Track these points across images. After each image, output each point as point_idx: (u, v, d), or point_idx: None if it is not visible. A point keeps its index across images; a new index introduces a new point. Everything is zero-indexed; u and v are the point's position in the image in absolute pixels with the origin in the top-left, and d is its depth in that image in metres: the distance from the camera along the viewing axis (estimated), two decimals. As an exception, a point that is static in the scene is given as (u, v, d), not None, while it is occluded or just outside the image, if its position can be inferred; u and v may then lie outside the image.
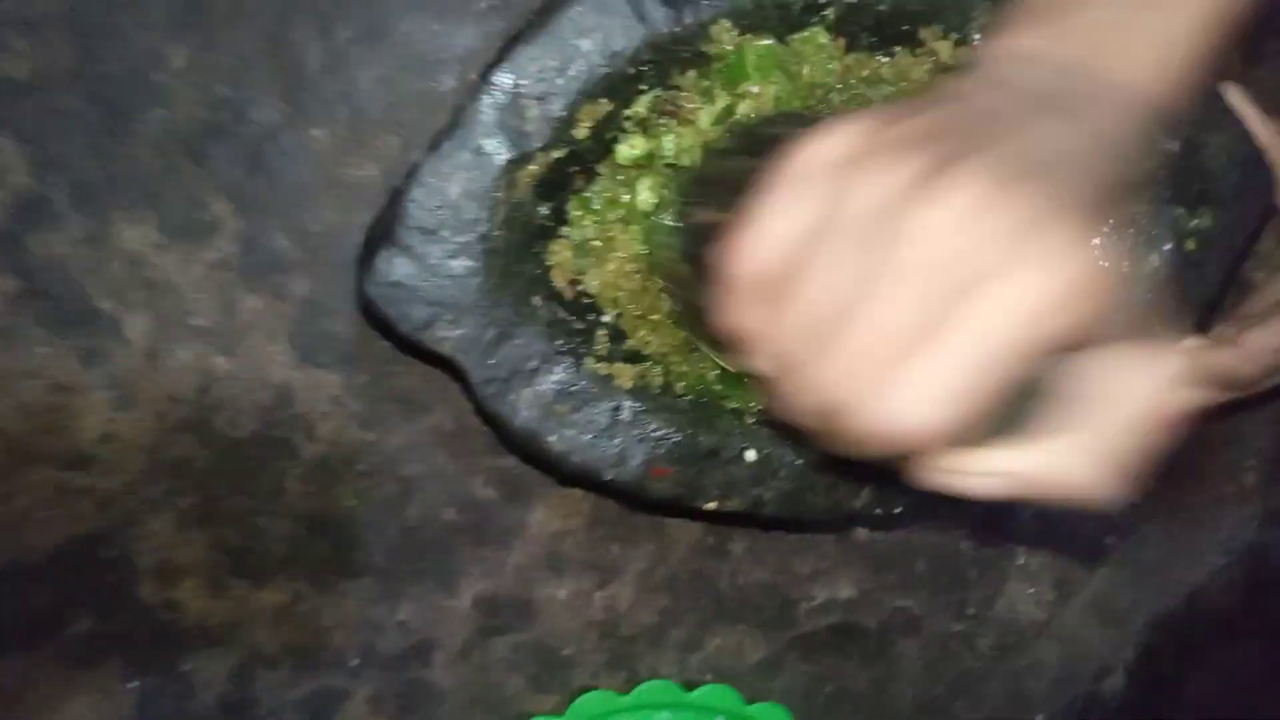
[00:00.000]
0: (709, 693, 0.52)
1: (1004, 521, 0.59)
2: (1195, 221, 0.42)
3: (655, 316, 0.41)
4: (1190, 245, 0.41)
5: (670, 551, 0.53)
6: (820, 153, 0.27)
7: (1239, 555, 0.64)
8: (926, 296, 0.24)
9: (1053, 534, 0.60)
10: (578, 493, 0.50)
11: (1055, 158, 0.26)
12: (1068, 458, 0.27)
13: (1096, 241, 0.25)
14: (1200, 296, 0.43)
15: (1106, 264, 0.24)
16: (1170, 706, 0.65)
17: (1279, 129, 0.44)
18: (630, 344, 0.42)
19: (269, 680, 0.50)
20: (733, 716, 0.52)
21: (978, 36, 0.40)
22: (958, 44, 0.40)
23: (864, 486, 0.43)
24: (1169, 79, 0.30)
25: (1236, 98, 0.42)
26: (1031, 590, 0.61)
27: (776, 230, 0.27)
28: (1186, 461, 0.60)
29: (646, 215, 0.41)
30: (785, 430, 0.30)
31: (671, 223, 0.39)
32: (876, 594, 0.58)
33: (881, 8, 0.39)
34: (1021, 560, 0.60)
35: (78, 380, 0.45)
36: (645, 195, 0.40)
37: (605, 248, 0.41)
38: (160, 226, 0.45)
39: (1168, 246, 0.41)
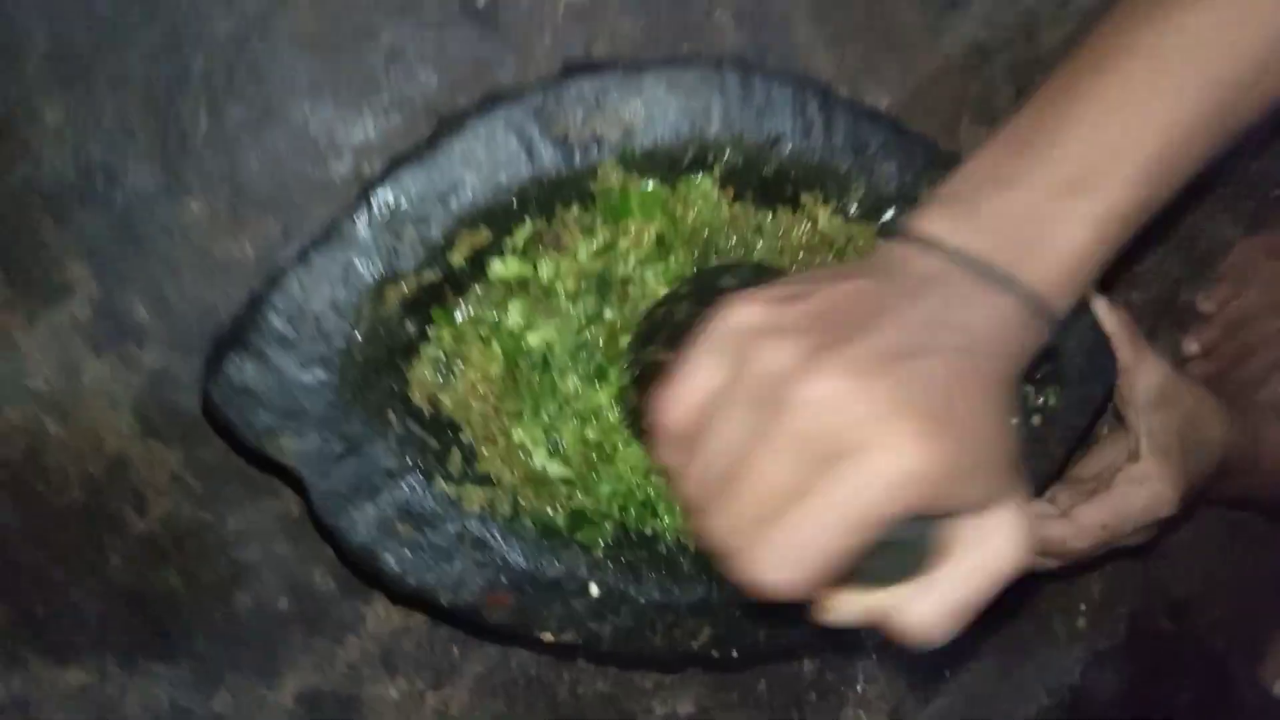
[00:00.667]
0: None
1: (849, 649, 0.60)
2: (1041, 399, 0.44)
3: (503, 443, 0.42)
4: (1036, 420, 0.44)
5: (512, 656, 0.52)
6: (731, 323, 0.31)
7: (1064, 696, 0.67)
8: (798, 464, 0.28)
9: (892, 663, 0.62)
10: (420, 592, 0.49)
11: (927, 345, 0.29)
12: (921, 603, 0.31)
13: (954, 423, 0.28)
14: (1043, 470, 0.46)
15: (960, 446, 0.28)
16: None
17: (1123, 316, 0.47)
18: (482, 468, 0.42)
19: (63, 765, 0.47)
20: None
21: (854, 207, 0.42)
22: (834, 212, 0.42)
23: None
24: (1062, 277, 0.32)
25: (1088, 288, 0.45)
26: (866, 717, 0.62)
27: (691, 388, 0.31)
28: (1023, 602, 0.63)
29: (514, 336, 0.41)
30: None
31: (627, 359, 0.41)
32: (715, 712, 0.58)
33: (766, 171, 0.41)
34: (860, 687, 0.61)
35: (-108, 432, 0.42)
36: (515, 318, 0.41)
37: (461, 364, 0.41)
38: (7, 282, 0.43)
39: (1014, 421, 0.43)
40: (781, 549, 0.28)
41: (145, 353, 0.45)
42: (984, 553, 0.31)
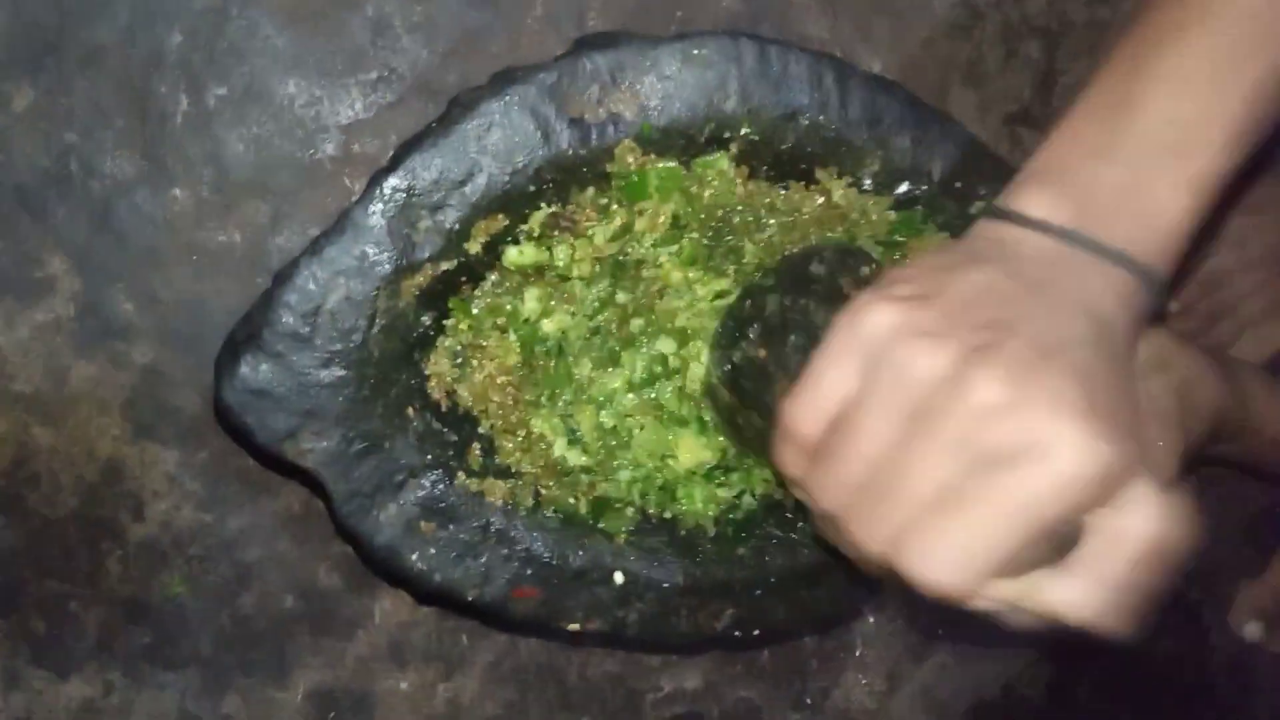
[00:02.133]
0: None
1: (849, 618, 0.61)
2: None
3: (522, 434, 0.40)
4: None
5: (521, 643, 0.52)
6: (866, 327, 0.30)
7: (1048, 647, 0.68)
8: (965, 467, 0.28)
9: (889, 627, 0.63)
10: (430, 584, 0.48)
11: (1064, 344, 0.29)
12: (1077, 590, 0.30)
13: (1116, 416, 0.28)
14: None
15: (1124, 436, 0.28)
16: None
17: None
18: (501, 460, 0.40)
19: (66, 778, 0.45)
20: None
21: (867, 181, 0.41)
22: (849, 185, 0.42)
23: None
24: (1166, 244, 0.32)
25: None
26: (865, 681, 0.63)
27: (825, 394, 0.31)
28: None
29: (529, 323, 0.40)
30: (830, 548, 0.33)
31: (715, 356, 0.40)
32: (721, 685, 0.58)
33: (782, 147, 0.40)
34: (859, 652, 0.62)
35: None
36: (532, 305, 0.39)
37: (479, 355, 0.39)
38: (-17, 281, 0.40)
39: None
40: (948, 546, 0.28)
41: (134, 350, 0.43)
42: (1130, 526, 0.29)
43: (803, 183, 0.41)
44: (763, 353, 0.36)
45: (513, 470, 0.40)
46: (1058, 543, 0.30)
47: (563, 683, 0.54)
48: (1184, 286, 0.64)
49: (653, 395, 0.41)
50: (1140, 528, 0.29)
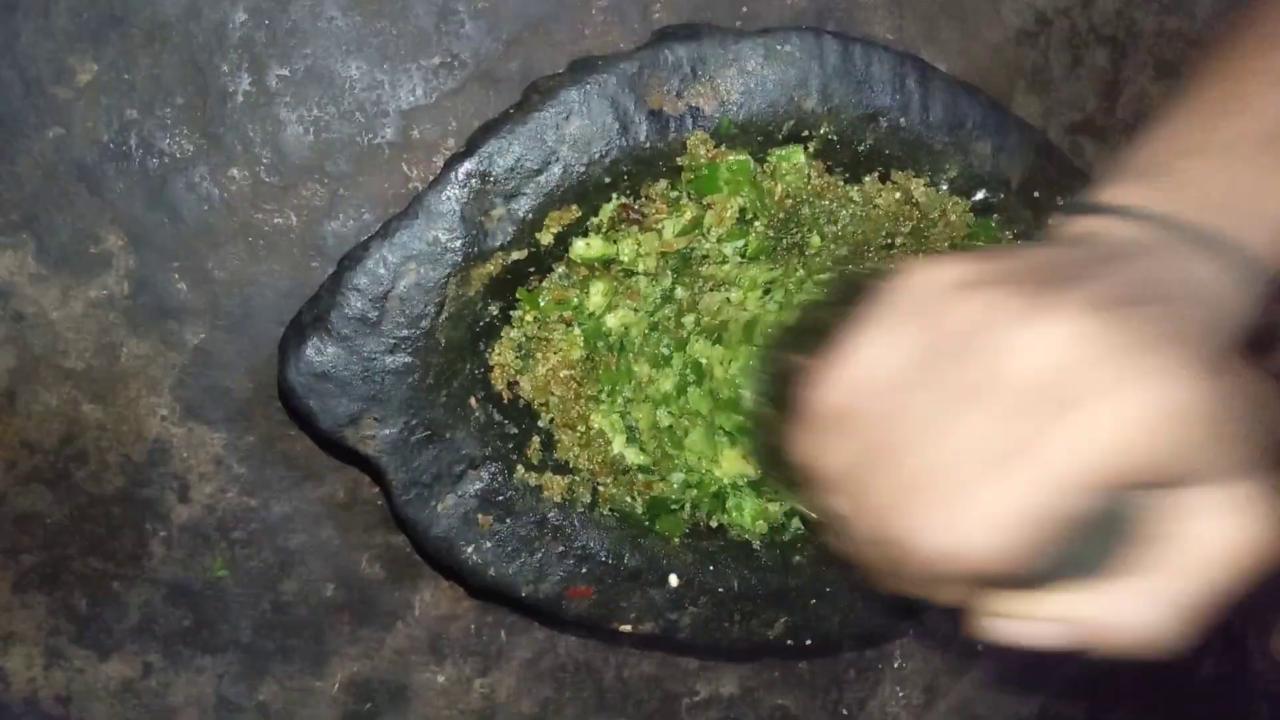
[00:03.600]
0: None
1: (898, 633, 0.59)
2: None
3: (582, 429, 0.40)
4: None
5: (559, 640, 0.51)
6: (919, 281, 0.26)
7: (1088, 667, 0.67)
8: (1017, 416, 0.23)
9: (929, 638, 0.62)
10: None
11: (1152, 295, 0.25)
12: (1133, 603, 0.25)
13: (1200, 377, 0.23)
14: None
15: (1207, 393, 0.23)
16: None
17: None
18: (560, 455, 0.40)
19: (101, 758, 0.45)
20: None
21: (944, 186, 0.40)
22: (928, 185, 0.41)
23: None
24: (1274, 238, 0.29)
25: None
26: (902, 694, 0.62)
27: (861, 364, 0.26)
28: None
29: (593, 317, 0.39)
30: (849, 567, 0.29)
31: (759, 368, 0.38)
32: (758, 692, 0.57)
33: (860, 147, 0.39)
34: (897, 664, 0.61)
35: (-83, 416, 0.39)
36: (597, 299, 0.39)
37: (543, 348, 0.39)
38: (39, 255, 0.40)
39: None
40: (982, 511, 0.23)
41: (186, 329, 0.42)
42: (1211, 533, 0.25)
43: (877, 179, 0.40)
44: (808, 362, 0.34)
45: (571, 466, 0.40)
46: (1105, 538, 0.25)
47: (599, 683, 0.53)
48: None
49: (686, 401, 0.40)
50: (1223, 536, 0.24)
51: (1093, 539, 0.24)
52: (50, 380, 0.41)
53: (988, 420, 0.23)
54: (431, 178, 0.44)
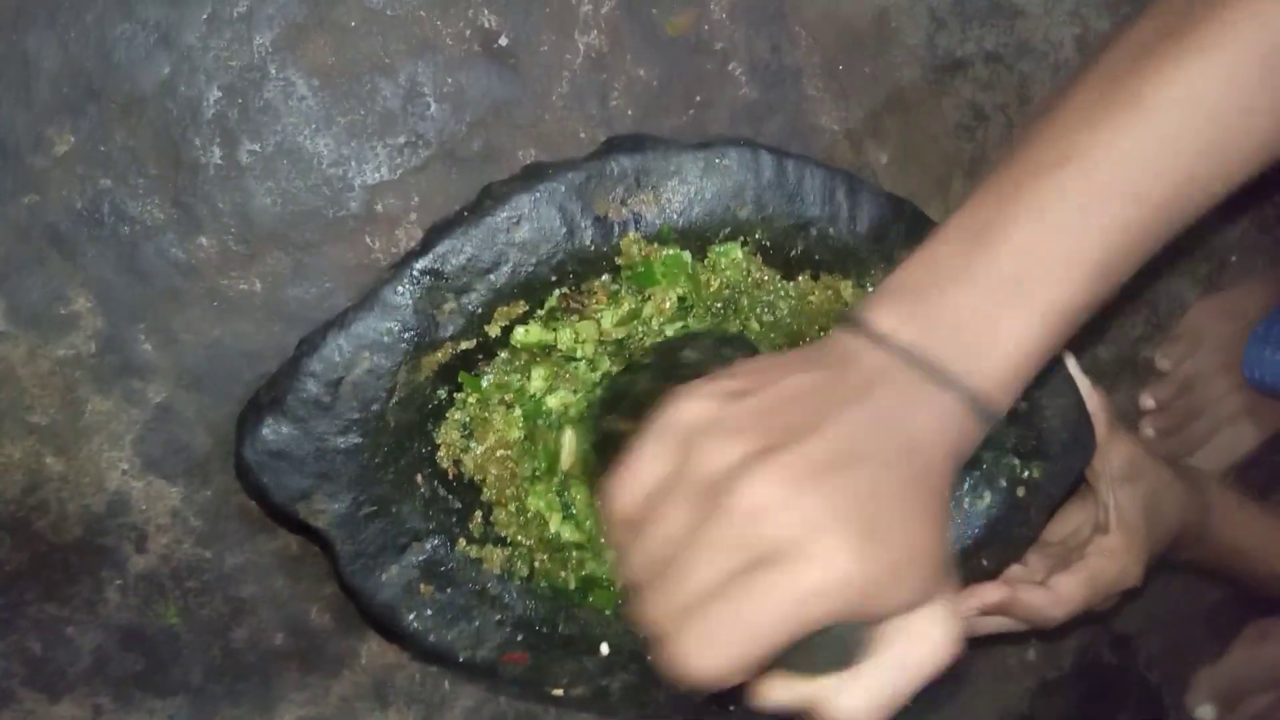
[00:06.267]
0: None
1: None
2: (1026, 472, 0.47)
3: (515, 507, 0.42)
4: (1020, 491, 0.46)
5: (501, 691, 0.53)
6: (679, 417, 0.32)
7: (1011, 721, 0.70)
8: (728, 564, 0.29)
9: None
10: (416, 629, 0.49)
11: (860, 458, 0.30)
12: (842, 692, 0.32)
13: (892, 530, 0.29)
14: (1022, 538, 0.48)
15: (887, 557, 0.29)
16: None
17: (1101, 397, 0.50)
18: (500, 529, 0.42)
19: (48, 797, 0.46)
20: None
21: (870, 288, 0.43)
22: (855, 285, 0.43)
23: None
24: (1005, 375, 0.33)
25: (1073, 367, 0.48)
26: (830, 744, 0.65)
27: (638, 476, 0.32)
28: (984, 641, 0.66)
29: (534, 398, 0.41)
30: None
31: (588, 428, 0.41)
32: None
33: (792, 253, 0.42)
34: None
35: (-117, 467, 0.41)
36: (538, 382, 0.41)
37: (483, 428, 0.41)
38: (8, 313, 0.42)
39: (1003, 486, 0.45)
40: (706, 642, 0.29)
41: (149, 388, 0.44)
42: (913, 648, 0.31)
43: (810, 278, 0.43)
44: (626, 427, 0.37)
45: (509, 540, 0.42)
46: (839, 645, 0.31)
47: (537, 730, 0.55)
48: (1161, 385, 0.66)
49: None
50: (923, 654, 0.31)
51: (815, 647, 0.30)
52: (15, 433, 0.42)
53: (712, 561, 0.29)
54: (394, 249, 0.47)
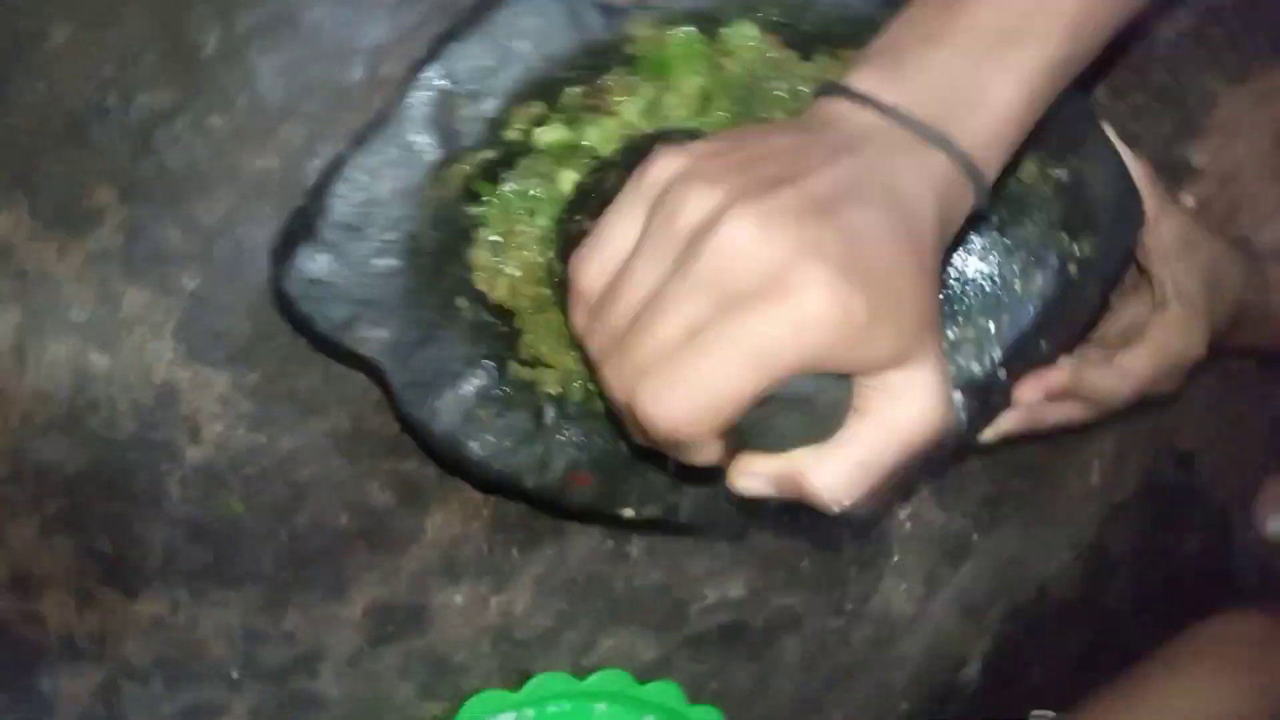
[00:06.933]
0: (602, 678, 0.52)
1: (885, 521, 0.62)
2: (1076, 248, 0.45)
3: (544, 332, 0.41)
4: (1073, 270, 0.45)
5: (569, 555, 0.53)
6: (651, 174, 0.31)
7: (1083, 550, 0.70)
8: (704, 306, 0.28)
9: (926, 532, 0.64)
10: (478, 496, 0.49)
11: (855, 196, 0.29)
12: (829, 465, 0.31)
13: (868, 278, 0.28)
14: (1080, 318, 0.47)
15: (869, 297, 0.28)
16: (1019, 694, 0.70)
17: (1146, 165, 0.48)
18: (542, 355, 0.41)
19: (140, 696, 0.47)
20: (625, 699, 0.53)
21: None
22: None
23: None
24: (990, 134, 0.32)
25: (1114, 138, 0.46)
26: (904, 586, 0.64)
27: (607, 246, 0.31)
28: (1040, 461, 0.66)
29: (558, 203, 0.40)
30: (611, 420, 0.33)
31: (556, 228, 0.40)
32: (764, 593, 0.60)
33: (806, 28, 0.40)
34: (896, 558, 0.64)
35: (-68, 375, 0.41)
36: (567, 187, 0.40)
37: (510, 247, 0.40)
38: (34, 213, 0.41)
39: (1054, 264, 0.44)
40: (679, 385, 0.28)
41: (183, 275, 0.44)
42: (898, 410, 0.30)
43: (827, 57, 0.42)
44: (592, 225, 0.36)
45: (552, 365, 0.41)
46: (819, 414, 0.30)
47: (610, 593, 0.55)
48: (1200, 182, 0.65)
49: None
50: (906, 417, 0.30)
51: (789, 415, 0.29)
52: (57, 332, 0.42)
53: (687, 304, 0.28)
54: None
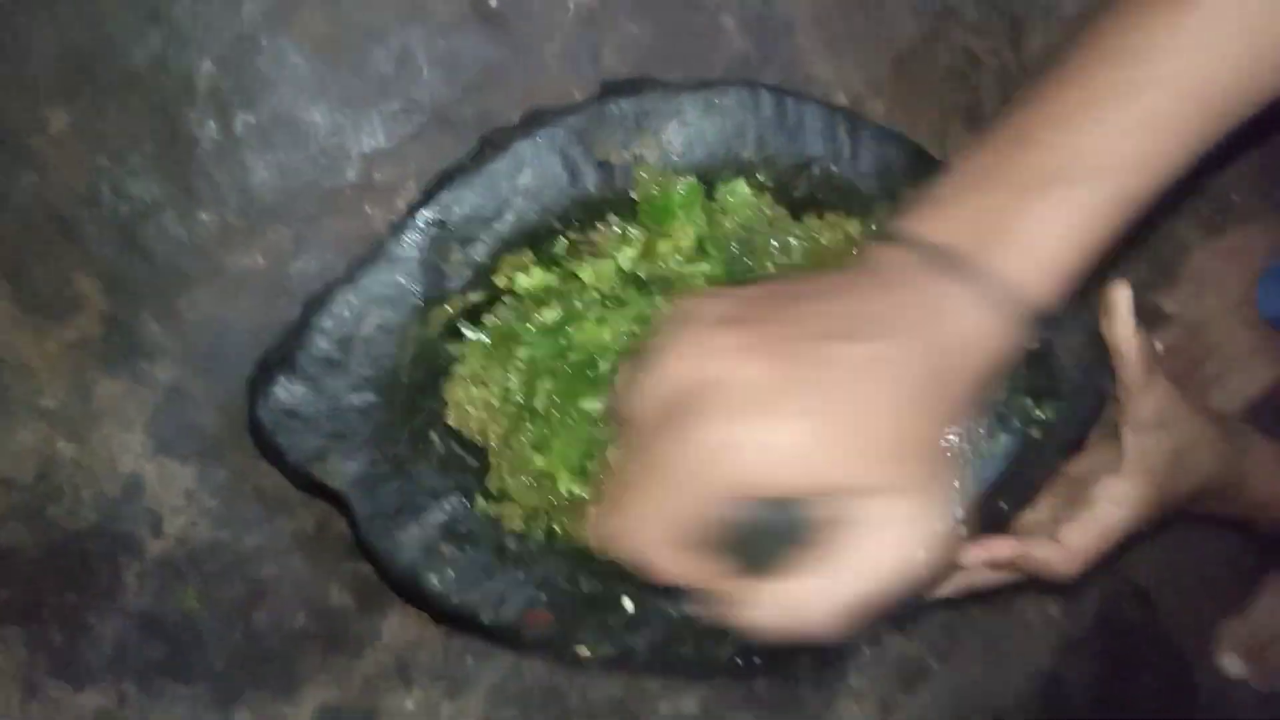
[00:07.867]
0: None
1: (848, 650, 0.61)
2: (1039, 412, 0.46)
3: (526, 475, 0.41)
4: (1035, 432, 0.46)
5: (525, 665, 0.53)
6: (684, 314, 0.32)
7: (1041, 682, 0.70)
8: (675, 441, 0.29)
9: (883, 656, 0.64)
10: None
11: (845, 337, 0.29)
12: (804, 596, 0.30)
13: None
14: (1040, 480, 0.47)
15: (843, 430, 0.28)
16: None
17: (1145, 340, 0.48)
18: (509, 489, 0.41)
19: (75, 791, 0.46)
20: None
21: (874, 227, 0.43)
22: (862, 224, 0.43)
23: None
24: (1041, 268, 0.31)
25: (1124, 303, 0.46)
26: (858, 708, 0.64)
27: (655, 378, 0.31)
28: (999, 591, 0.66)
29: (549, 329, 0.40)
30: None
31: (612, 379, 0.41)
32: (719, 711, 0.59)
33: (795, 193, 0.41)
34: (852, 681, 0.63)
35: (-107, 457, 0.40)
36: (551, 315, 0.40)
37: (485, 383, 0.40)
38: (15, 299, 0.41)
39: (1016, 427, 0.45)
40: (635, 511, 0.29)
41: (157, 369, 0.44)
42: (869, 540, 0.29)
43: (816, 217, 0.43)
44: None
45: (519, 501, 0.41)
46: (790, 539, 0.29)
47: (565, 705, 0.55)
48: (1169, 329, 0.66)
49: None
50: (875, 549, 0.29)
51: (765, 539, 0.29)
52: (26, 419, 0.42)
53: (670, 434, 0.29)
54: (392, 218, 0.46)
